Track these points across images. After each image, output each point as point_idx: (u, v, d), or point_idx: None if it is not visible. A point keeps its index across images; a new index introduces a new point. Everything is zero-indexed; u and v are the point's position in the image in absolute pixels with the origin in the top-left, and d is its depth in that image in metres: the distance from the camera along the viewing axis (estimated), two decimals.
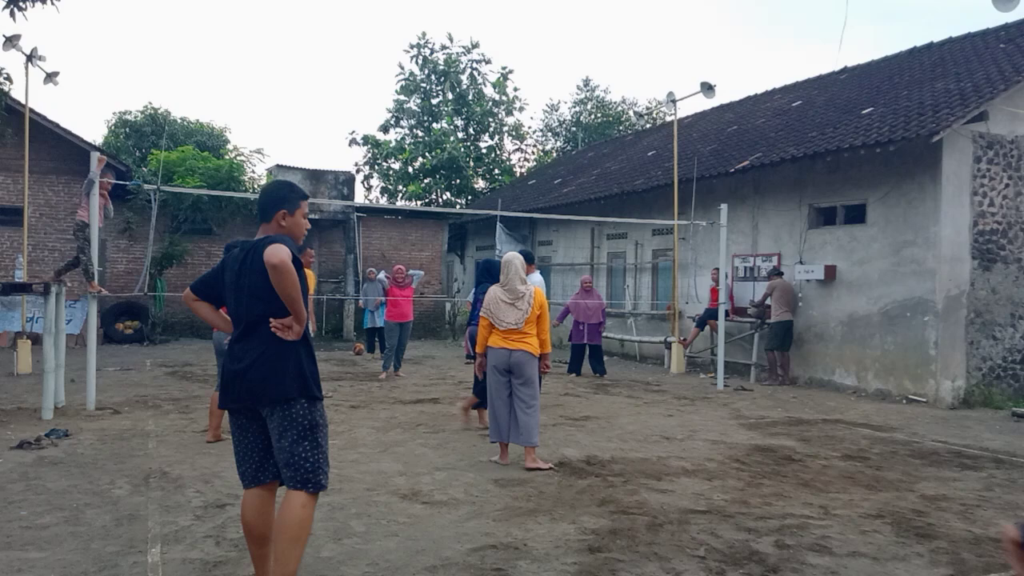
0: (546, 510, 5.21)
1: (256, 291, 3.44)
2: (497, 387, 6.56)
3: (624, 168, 19.34)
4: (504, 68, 30.87)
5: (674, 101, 15.02)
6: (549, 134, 35.78)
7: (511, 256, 6.72)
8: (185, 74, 64.30)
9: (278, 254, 3.28)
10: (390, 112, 30.64)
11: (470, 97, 30.42)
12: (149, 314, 17.90)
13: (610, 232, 17.41)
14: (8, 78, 12.53)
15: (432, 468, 6.34)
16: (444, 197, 29.78)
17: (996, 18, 43.30)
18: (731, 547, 4.51)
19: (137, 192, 16.87)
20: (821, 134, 12.60)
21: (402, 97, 30.51)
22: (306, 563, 4.15)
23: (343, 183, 20.67)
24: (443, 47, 30.67)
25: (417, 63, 30.46)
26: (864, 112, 12.65)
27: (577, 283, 15.93)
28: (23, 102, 12.81)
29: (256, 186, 22.55)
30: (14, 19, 8.67)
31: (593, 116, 34.84)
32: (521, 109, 34.09)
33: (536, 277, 8.96)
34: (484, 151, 31.07)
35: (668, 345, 14.40)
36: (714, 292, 13.36)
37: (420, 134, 30.20)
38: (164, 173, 17.79)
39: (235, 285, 3.55)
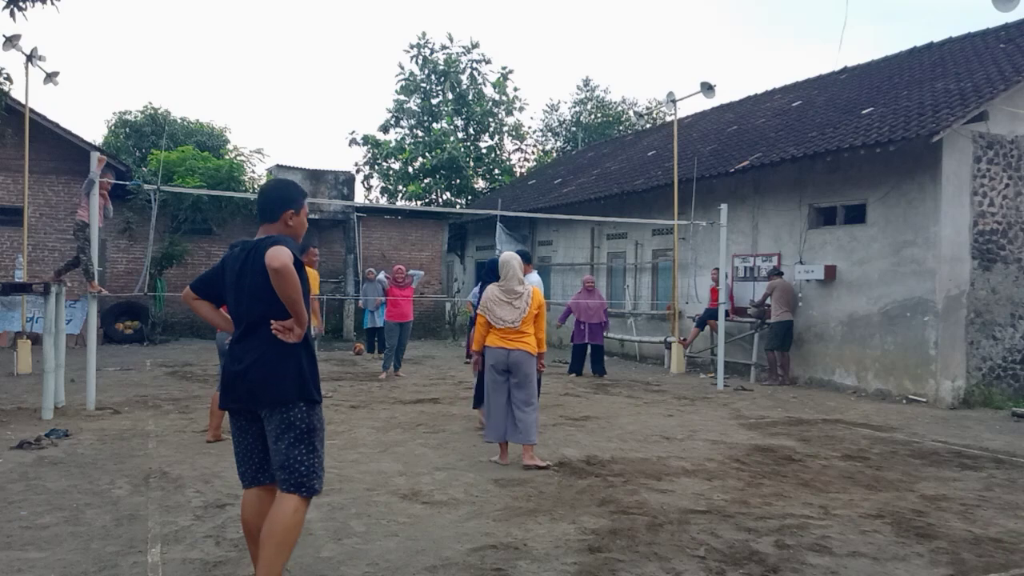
0: (546, 510, 5.21)
1: (257, 292, 3.42)
2: (495, 386, 6.56)
3: (624, 168, 19.34)
4: (504, 68, 30.95)
5: (674, 101, 15.03)
6: (549, 134, 35.81)
7: (509, 256, 6.73)
8: (185, 74, 64.39)
9: (280, 257, 3.25)
10: (390, 112, 30.67)
11: (470, 97, 30.42)
12: (149, 314, 17.90)
13: (610, 232, 17.41)
14: (8, 78, 12.52)
15: (432, 468, 6.34)
16: (444, 197, 29.78)
17: (996, 18, 43.33)
18: (731, 547, 4.52)
19: (137, 192, 16.86)
20: (821, 134, 12.60)
21: (402, 97, 30.54)
22: (306, 563, 4.16)
23: (343, 183, 20.67)
24: (443, 47, 30.73)
25: (417, 63, 30.48)
26: (864, 112, 12.65)
27: (577, 283, 15.95)
28: (23, 102, 12.81)
29: (256, 186, 22.52)
30: (14, 19, 8.67)
31: (593, 116, 34.83)
32: (521, 109, 34.14)
33: (533, 277, 8.95)
34: (484, 151, 31.08)
35: (668, 345, 14.40)
36: (714, 292, 13.36)
37: (420, 134, 30.21)
38: (164, 173, 17.78)
39: (236, 285, 3.52)
